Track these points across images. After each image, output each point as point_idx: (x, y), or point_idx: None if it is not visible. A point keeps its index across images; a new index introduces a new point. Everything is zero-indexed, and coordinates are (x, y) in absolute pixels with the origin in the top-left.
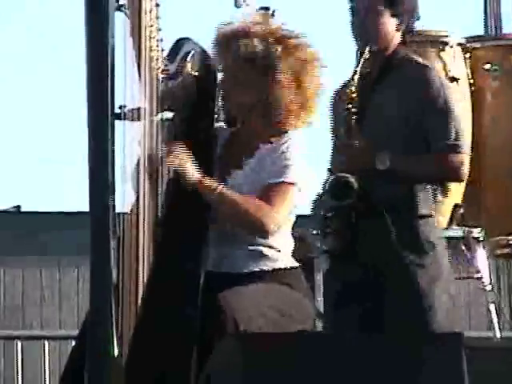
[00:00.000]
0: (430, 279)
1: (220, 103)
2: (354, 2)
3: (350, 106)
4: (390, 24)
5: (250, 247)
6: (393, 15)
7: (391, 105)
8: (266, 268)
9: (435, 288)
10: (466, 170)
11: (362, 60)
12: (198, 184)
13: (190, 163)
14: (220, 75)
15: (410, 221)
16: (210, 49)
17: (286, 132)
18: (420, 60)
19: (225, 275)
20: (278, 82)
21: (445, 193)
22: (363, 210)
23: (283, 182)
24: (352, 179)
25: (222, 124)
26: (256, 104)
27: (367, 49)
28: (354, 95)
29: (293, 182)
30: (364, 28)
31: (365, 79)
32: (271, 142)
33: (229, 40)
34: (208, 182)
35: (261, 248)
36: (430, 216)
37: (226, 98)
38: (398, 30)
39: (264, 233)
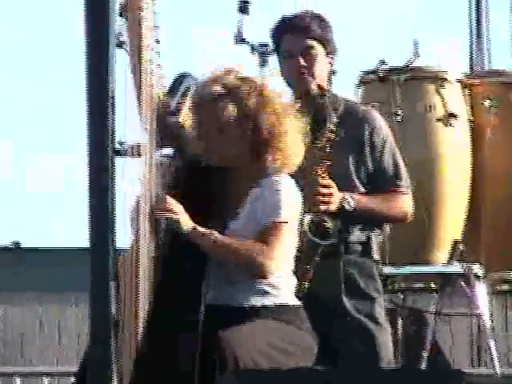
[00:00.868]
0: (386, 319)
1: (205, 158)
2: (286, 47)
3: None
4: (325, 64)
5: (252, 283)
6: (326, 54)
7: (342, 150)
8: (267, 303)
9: (388, 327)
10: (410, 209)
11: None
12: (191, 234)
13: (181, 215)
14: (204, 132)
15: (367, 264)
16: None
17: (276, 174)
18: (359, 103)
19: (226, 309)
20: (261, 131)
21: (384, 236)
22: (328, 251)
23: (275, 221)
24: (330, 221)
25: None
26: (240, 155)
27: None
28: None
29: (285, 220)
30: (303, 70)
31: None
32: (260, 185)
33: (212, 101)
34: (201, 230)
35: (262, 284)
36: (380, 262)
37: (211, 152)
38: (329, 70)
39: (263, 274)
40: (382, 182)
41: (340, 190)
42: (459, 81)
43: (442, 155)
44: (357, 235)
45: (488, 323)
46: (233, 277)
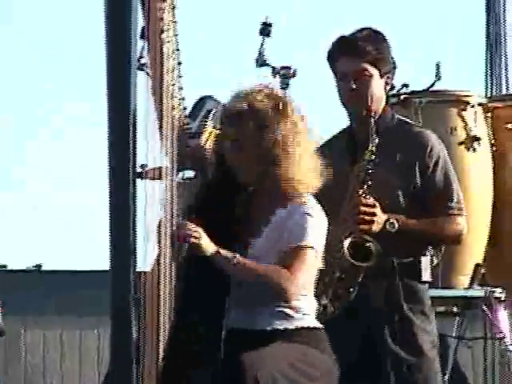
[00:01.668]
0: (433, 345)
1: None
2: (340, 68)
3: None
4: (379, 86)
5: (274, 306)
6: (381, 76)
7: (391, 170)
8: (289, 327)
9: (436, 354)
10: (465, 232)
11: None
12: (214, 257)
13: (203, 239)
14: (229, 144)
15: (414, 286)
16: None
17: (300, 195)
18: (415, 124)
19: (247, 332)
20: (289, 149)
21: (439, 258)
22: (373, 272)
23: (301, 246)
24: (371, 243)
25: None
26: (267, 170)
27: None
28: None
29: (311, 245)
30: (356, 92)
31: (360, 145)
32: (286, 207)
33: (240, 113)
34: (224, 253)
35: (284, 308)
36: (429, 282)
37: (236, 167)
38: (385, 89)
39: (285, 298)
40: (432, 204)
41: (386, 211)
42: (481, 104)
43: (463, 179)
44: (403, 257)
45: (510, 347)
46: (254, 301)
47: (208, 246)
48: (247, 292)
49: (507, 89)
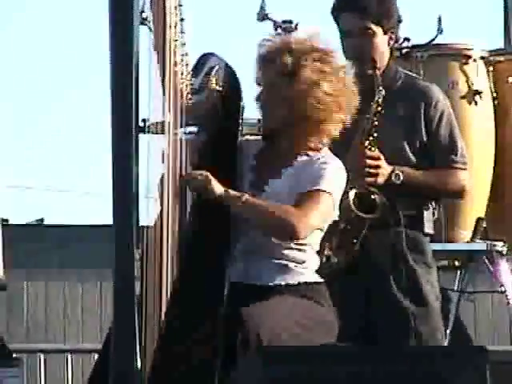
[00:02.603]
0: (436, 296)
1: (260, 116)
2: (343, 24)
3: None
4: (383, 42)
5: (276, 260)
6: (384, 32)
7: (396, 123)
8: (291, 282)
9: (439, 307)
10: (468, 186)
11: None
12: (223, 197)
13: (212, 181)
14: (259, 88)
15: (417, 237)
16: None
17: (322, 148)
18: (420, 78)
19: (250, 287)
20: (316, 96)
21: (440, 212)
22: (377, 223)
23: (318, 189)
24: (377, 195)
25: (249, 137)
26: (293, 116)
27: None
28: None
29: (328, 190)
30: (359, 50)
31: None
32: (308, 155)
33: (272, 55)
34: (232, 192)
35: (287, 262)
36: (431, 235)
37: (265, 110)
38: (389, 44)
39: (293, 236)
40: (437, 157)
41: (391, 163)
42: (483, 58)
43: (465, 132)
44: (407, 209)
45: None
46: (259, 251)
47: (216, 185)
48: (251, 245)
49: None
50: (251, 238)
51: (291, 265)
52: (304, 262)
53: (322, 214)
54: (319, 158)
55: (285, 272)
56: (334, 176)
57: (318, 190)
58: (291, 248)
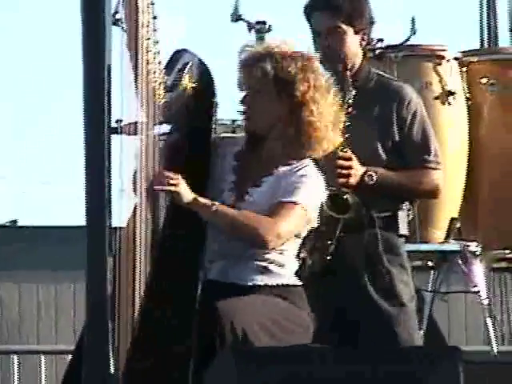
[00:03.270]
0: (411, 296)
1: (242, 122)
2: (314, 24)
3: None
4: (354, 42)
5: (256, 261)
6: (355, 32)
7: (369, 124)
8: (269, 283)
9: (414, 307)
10: (442, 186)
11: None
12: (192, 204)
13: (181, 186)
14: (243, 94)
15: (392, 239)
16: (206, 59)
17: (305, 157)
18: (393, 78)
19: (229, 286)
20: (301, 103)
21: (414, 212)
22: (352, 225)
23: (291, 201)
24: (349, 195)
25: (225, 134)
26: (277, 122)
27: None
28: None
29: (302, 203)
30: (330, 50)
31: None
32: (290, 164)
33: (253, 60)
34: (203, 201)
35: (266, 263)
36: (406, 236)
37: (247, 114)
38: (361, 45)
39: (263, 245)
40: (410, 157)
41: (365, 164)
42: (456, 58)
43: (439, 133)
44: (382, 210)
45: (485, 301)
46: (235, 253)
47: (187, 192)
48: (229, 244)
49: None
50: (231, 240)
51: (271, 267)
52: (283, 264)
53: (294, 226)
54: (300, 169)
55: (264, 273)
56: (311, 189)
57: (292, 201)
58: (271, 251)
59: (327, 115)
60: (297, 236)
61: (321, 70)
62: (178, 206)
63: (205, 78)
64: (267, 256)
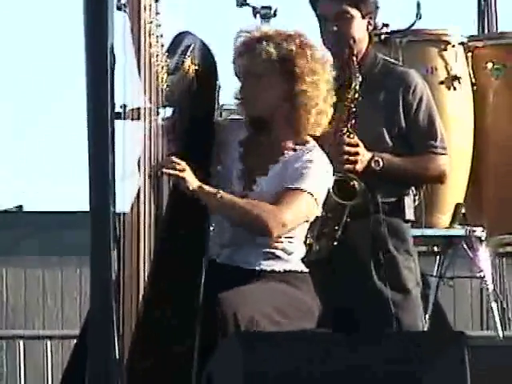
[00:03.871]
0: (417, 283)
1: (241, 109)
2: (320, 9)
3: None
4: (361, 27)
5: (264, 247)
6: (362, 17)
7: (375, 109)
8: (276, 269)
9: (419, 293)
10: (448, 171)
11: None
12: (197, 192)
13: (186, 172)
14: (242, 79)
15: (398, 224)
16: (209, 44)
17: (309, 141)
18: (399, 64)
19: (236, 269)
20: (302, 84)
21: (420, 198)
22: (358, 211)
23: (298, 188)
24: (356, 181)
25: (231, 116)
26: (282, 103)
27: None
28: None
29: (309, 190)
30: (337, 35)
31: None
32: (295, 150)
33: (253, 44)
34: (207, 189)
35: (275, 250)
36: (412, 221)
37: (250, 100)
38: (367, 30)
39: (267, 233)
40: (416, 143)
41: (371, 150)
42: (462, 43)
43: (444, 118)
44: (388, 195)
45: (491, 286)
46: (248, 238)
47: (192, 179)
48: (241, 230)
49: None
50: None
51: (279, 253)
52: (292, 251)
53: (299, 213)
54: (305, 154)
55: (272, 259)
56: (317, 175)
57: (298, 188)
58: (280, 237)
59: (324, 88)
60: (306, 222)
61: (316, 44)
62: (181, 193)
63: (207, 60)
64: (277, 243)
